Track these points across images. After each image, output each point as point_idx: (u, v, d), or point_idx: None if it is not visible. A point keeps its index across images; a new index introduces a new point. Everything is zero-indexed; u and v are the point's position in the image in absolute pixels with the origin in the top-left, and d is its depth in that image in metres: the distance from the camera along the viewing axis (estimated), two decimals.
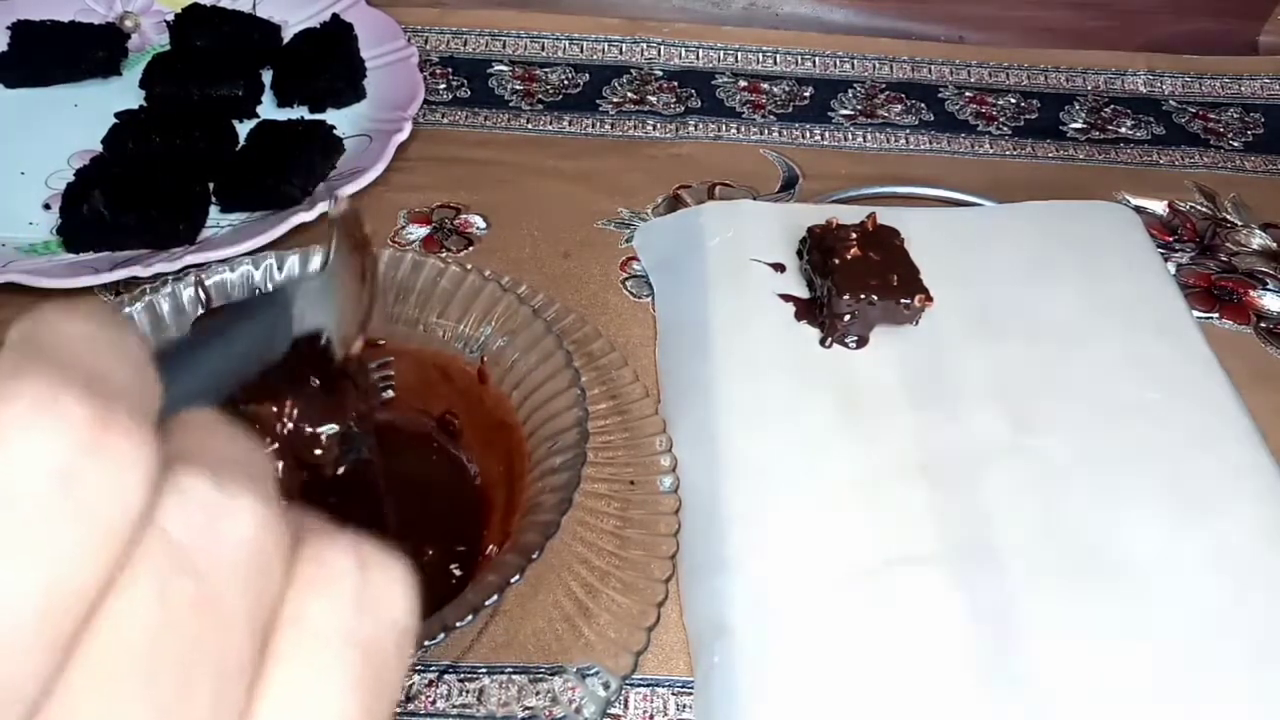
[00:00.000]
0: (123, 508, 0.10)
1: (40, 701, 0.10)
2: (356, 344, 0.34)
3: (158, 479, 0.11)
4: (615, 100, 0.70)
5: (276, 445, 0.36)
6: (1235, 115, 0.73)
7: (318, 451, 0.36)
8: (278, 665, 0.11)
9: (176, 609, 0.11)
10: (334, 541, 0.12)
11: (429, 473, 0.45)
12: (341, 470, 0.38)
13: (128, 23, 0.70)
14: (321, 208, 0.45)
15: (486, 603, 0.33)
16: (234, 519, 0.11)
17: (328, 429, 0.36)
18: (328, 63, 0.65)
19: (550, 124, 0.68)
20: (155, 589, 0.10)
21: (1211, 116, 0.73)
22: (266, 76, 0.66)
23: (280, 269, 0.44)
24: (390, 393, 0.40)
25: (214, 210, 0.57)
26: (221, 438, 0.13)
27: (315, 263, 0.35)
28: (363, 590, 0.12)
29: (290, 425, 0.36)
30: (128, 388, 0.12)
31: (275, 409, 0.36)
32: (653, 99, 0.71)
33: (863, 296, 0.50)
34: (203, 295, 0.43)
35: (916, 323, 0.51)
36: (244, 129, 0.61)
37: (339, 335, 0.33)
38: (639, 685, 0.40)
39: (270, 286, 0.33)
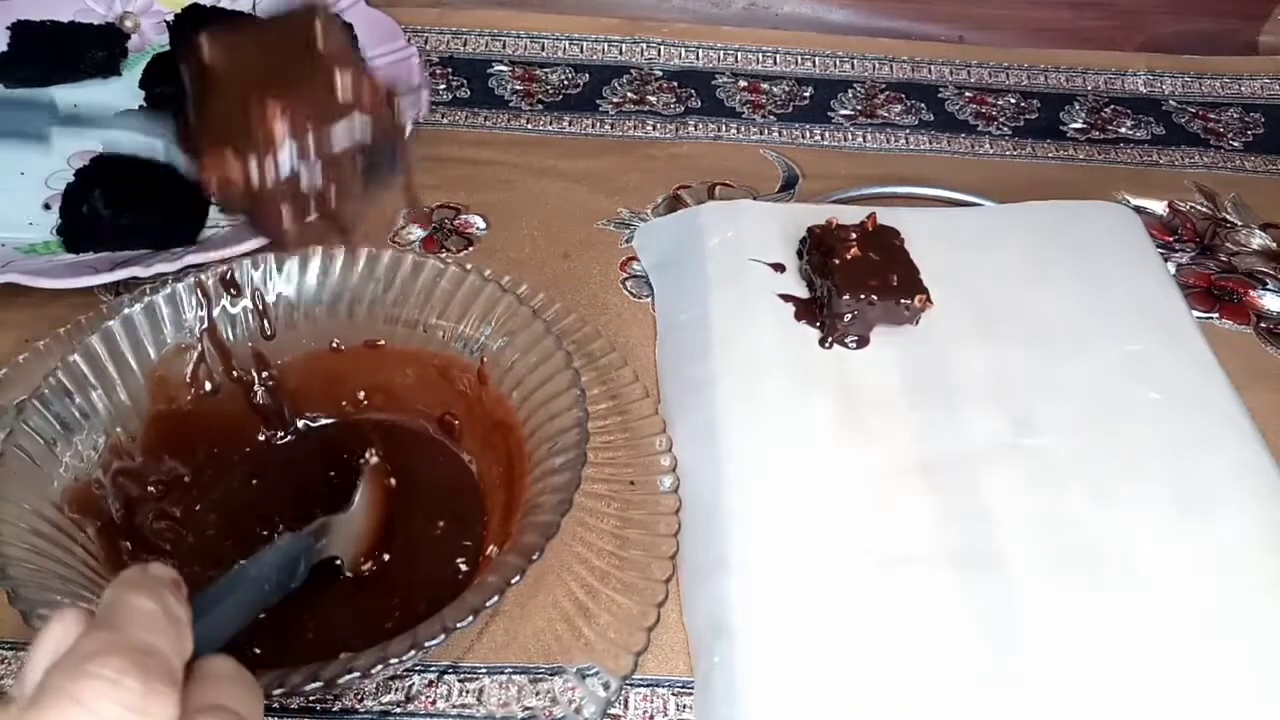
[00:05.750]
0: None
1: None
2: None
3: None
4: (615, 100, 0.70)
5: (298, 139, 0.35)
6: (1235, 115, 0.74)
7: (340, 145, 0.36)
8: None
9: None
10: None
11: (429, 473, 0.45)
12: (368, 185, 0.38)
13: (128, 23, 0.70)
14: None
15: (487, 604, 0.33)
16: None
17: (353, 122, 0.36)
18: None
19: (550, 124, 0.68)
20: None
21: (1211, 116, 0.73)
22: None
23: (279, 269, 0.44)
24: (411, 125, 0.40)
25: (214, 210, 0.57)
26: (230, 690, 0.24)
27: (356, 499, 0.41)
28: None
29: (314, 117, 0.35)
30: (169, 654, 0.22)
31: (299, 107, 0.35)
32: (653, 99, 0.71)
33: (863, 296, 0.50)
34: (202, 295, 0.43)
35: (916, 323, 0.51)
36: None
37: (349, 557, 0.40)
38: (639, 685, 0.40)
39: (303, 531, 0.38)
